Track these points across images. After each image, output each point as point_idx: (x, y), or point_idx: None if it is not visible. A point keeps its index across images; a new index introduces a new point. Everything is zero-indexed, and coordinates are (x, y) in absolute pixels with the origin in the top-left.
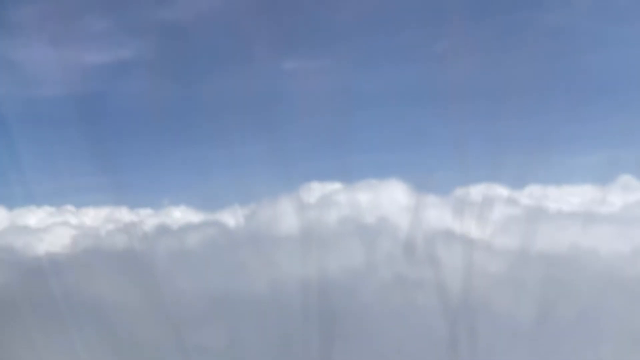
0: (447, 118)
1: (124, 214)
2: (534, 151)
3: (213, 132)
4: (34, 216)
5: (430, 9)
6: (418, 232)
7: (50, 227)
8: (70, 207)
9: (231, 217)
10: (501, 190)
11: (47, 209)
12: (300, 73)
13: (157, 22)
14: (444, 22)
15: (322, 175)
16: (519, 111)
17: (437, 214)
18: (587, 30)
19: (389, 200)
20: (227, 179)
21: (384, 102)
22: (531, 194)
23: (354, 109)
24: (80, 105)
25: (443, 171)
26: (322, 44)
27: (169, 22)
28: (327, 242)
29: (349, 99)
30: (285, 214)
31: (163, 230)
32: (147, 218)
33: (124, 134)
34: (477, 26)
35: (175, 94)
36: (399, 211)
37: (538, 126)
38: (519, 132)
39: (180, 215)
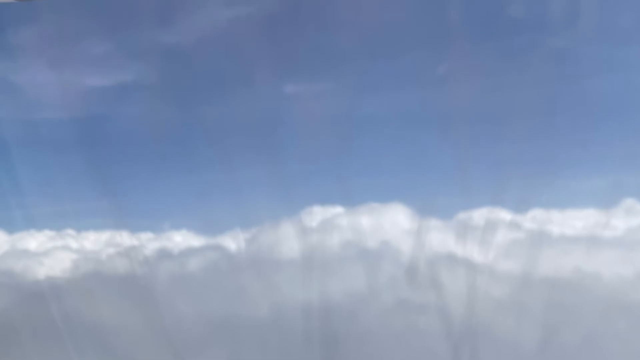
0: (449, 141)
1: (125, 238)
2: (537, 175)
3: (214, 155)
4: (34, 240)
5: (432, 32)
6: (420, 256)
7: (51, 251)
8: (70, 231)
9: (232, 241)
10: (504, 214)
11: (47, 232)
12: (302, 96)
13: (158, 45)
14: (447, 46)
15: (323, 198)
16: (522, 135)
17: (440, 237)
18: (591, 54)
19: (391, 224)
20: (228, 202)
21: (386, 125)
22: (534, 218)
23: (356, 132)
24: (80, 129)
25: (445, 195)
26: (324, 67)
27: (170, 45)
28: (329, 265)
29: (350, 123)
30: (286, 238)
31: (164, 254)
32: (148, 242)
33: (125, 157)
34: (479, 49)
35: (177, 117)
36: (402, 235)
37: (541, 150)
38: (522, 155)
39: (181, 239)
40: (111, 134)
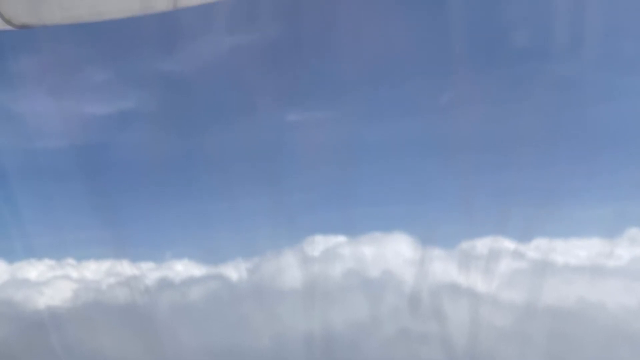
0: (452, 170)
1: (126, 268)
2: (540, 204)
3: (216, 184)
4: (34, 269)
5: (435, 61)
6: (423, 285)
7: (51, 281)
8: (71, 261)
9: (234, 271)
10: (507, 244)
11: (48, 262)
12: (304, 125)
13: (159, 73)
14: (449, 74)
15: (326, 228)
16: (525, 163)
17: (443, 267)
18: (594, 82)
19: (393, 253)
20: (230, 232)
21: (389, 154)
22: (538, 247)
23: (358, 161)
24: (81, 157)
25: (448, 224)
26: (326, 95)
27: (171, 73)
28: (331, 295)
29: (353, 151)
30: (288, 267)
31: (165, 284)
32: (149, 271)
33: (126, 186)
34: (482, 77)
35: (178, 145)
36: (404, 264)
37: (545, 179)
38: (525, 184)
39: (182, 268)
40: (112, 162)
